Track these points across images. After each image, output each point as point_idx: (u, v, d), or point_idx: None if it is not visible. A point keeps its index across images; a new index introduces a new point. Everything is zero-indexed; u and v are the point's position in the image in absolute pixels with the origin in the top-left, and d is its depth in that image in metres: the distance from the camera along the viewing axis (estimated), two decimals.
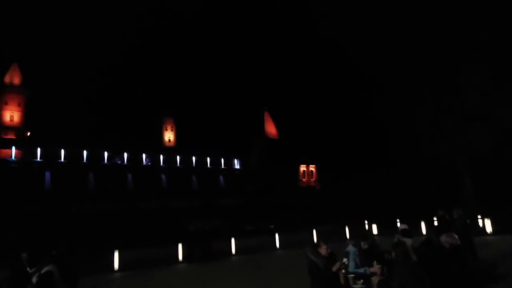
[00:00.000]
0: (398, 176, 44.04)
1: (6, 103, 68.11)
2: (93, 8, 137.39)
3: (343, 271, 6.39)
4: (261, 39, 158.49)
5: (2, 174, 54.06)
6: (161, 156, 73.37)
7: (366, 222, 25.37)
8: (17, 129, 67.66)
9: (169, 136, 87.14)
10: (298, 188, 77.21)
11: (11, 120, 67.99)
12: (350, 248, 7.32)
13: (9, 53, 73.21)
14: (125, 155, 69.23)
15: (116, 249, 14.75)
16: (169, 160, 73.70)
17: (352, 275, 6.39)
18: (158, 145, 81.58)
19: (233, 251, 17.69)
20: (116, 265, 14.40)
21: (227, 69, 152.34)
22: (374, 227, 23.73)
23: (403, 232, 8.55)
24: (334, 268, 6.14)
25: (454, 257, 5.23)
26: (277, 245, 19.40)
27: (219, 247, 17.48)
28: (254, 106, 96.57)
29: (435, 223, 14.62)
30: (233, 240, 17.92)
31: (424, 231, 19.96)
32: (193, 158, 76.50)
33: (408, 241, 7.00)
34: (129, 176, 67.42)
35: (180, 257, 16.19)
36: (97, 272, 13.77)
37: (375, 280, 6.05)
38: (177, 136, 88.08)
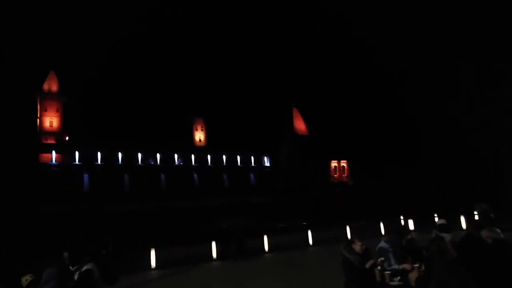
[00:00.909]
0: (435, 169, 42.56)
1: (46, 110, 71.55)
2: (123, 12, 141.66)
3: (379, 267, 6.23)
4: (287, 35, 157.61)
5: (44, 177, 57.00)
6: (193, 156, 74.69)
7: (401, 217, 24.66)
8: (56, 134, 70.92)
9: (199, 136, 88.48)
10: (330, 184, 76.24)
11: (51, 125, 71.36)
12: (383, 244, 7.13)
13: (45, 61, 76.84)
14: (158, 155, 71.01)
15: (152, 247, 15.14)
16: (200, 159, 74.91)
17: (389, 272, 6.22)
18: (189, 145, 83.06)
19: (266, 248, 17.72)
20: (153, 263, 14.79)
21: (254, 67, 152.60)
22: (411, 222, 23.02)
23: (441, 227, 8.22)
24: (368, 265, 6.01)
25: (498, 253, 4.97)
26: (310, 242, 19.24)
27: (252, 245, 17.56)
28: (282, 103, 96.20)
29: (476, 218, 13.96)
30: (265, 237, 17.94)
31: (464, 226, 19.16)
32: (224, 157, 77.31)
33: (447, 237, 6.72)
34: (162, 176, 69.16)
35: (214, 255, 16.40)
36: (135, 270, 14.20)
37: (412, 277, 5.86)
38: (207, 135, 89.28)
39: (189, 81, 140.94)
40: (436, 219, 15.52)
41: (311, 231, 19.73)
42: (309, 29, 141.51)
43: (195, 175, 72.63)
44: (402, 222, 24.16)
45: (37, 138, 67.67)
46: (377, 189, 53.49)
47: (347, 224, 20.65)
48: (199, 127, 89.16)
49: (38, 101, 71.93)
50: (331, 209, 45.49)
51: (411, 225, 22.97)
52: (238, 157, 78.86)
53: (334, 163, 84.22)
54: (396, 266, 6.51)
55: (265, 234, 18.28)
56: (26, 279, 5.35)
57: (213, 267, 14.98)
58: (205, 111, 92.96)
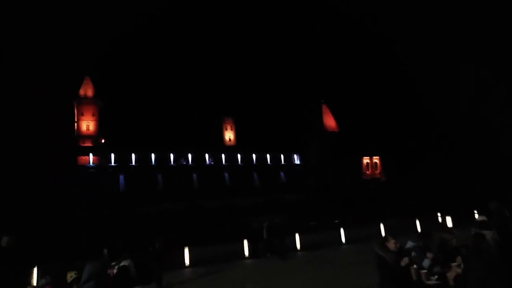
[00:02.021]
0: (474, 164, 40.73)
1: (82, 114, 74.65)
2: (153, 16, 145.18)
3: (415, 266, 6.05)
4: (315, 32, 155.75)
5: (82, 179, 59.56)
6: (223, 155, 75.48)
7: (439, 214, 23.74)
8: (93, 137, 73.82)
9: (229, 135, 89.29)
10: (362, 181, 74.73)
11: (87, 129, 74.38)
12: (409, 244, 6.91)
13: (81, 67, 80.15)
14: (190, 156, 72.32)
15: (186, 246, 15.44)
16: (231, 158, 75.61)
17: (425, 271, 6.02)
18: (219, 145, 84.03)
19: (298, 246, 17.62)
20: (187, 261, 15.09)
21: (282, 65, 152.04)
22: (448, 219, 22.13)
23: (481, 224, 7.87)
24: (403, 262, 5.84)
25: None
26: (343, 240, 18.93)
27: (280, 243, 17.49)
28: (311, 100, 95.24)
29: (476, 216, 13.20)
30: (297, 235, 17.84)
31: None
32: (254, 156, 77.60)
33: (488, 234, 6.43)
34: (194, 176, 70.40)
35: (246, 253, 16.51)
36: (170, 268, 14.55)
37: (451, 275, 5.65)
38: (237, 135, 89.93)
39: (218, 81, 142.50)
40: (476, 216, 14.84)
41: (344, 229, 19.41)
42: (337, 25, 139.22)
43: (226, 174, 73.41)
44: (440, 219, 23.29)
45: (75, 142, 70.73)
46: (412, 185, 51.87)
47: (381, 222, 20.15)
48: (228, 127, 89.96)
49: (75, 106, 75.14)
50: (363, 206, 44.54)
51: (449, 222, 22.10)
52: (268, 156, 78.92)
53: (366, 160, 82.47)
54: (427, 265, 6.30)
55: (297, 232, 18.17)
56: (71, 275, 5.60)
57: (245, 265, 15.09)
58: (234, 110, 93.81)
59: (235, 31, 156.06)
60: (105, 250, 5.56)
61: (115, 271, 5.13)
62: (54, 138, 65.22)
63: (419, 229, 19.39)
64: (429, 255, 6.59)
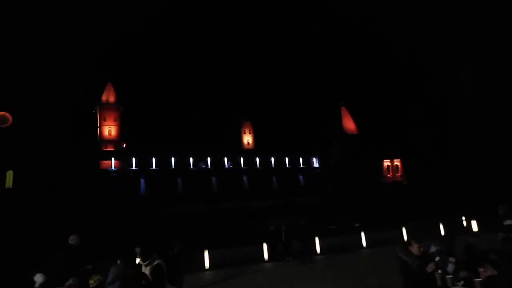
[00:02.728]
0: (498, 166, 39.42)
1: (105, 120, 76.40)
2: (174, 22, 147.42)
3: (439, 271, 5.87)
4: (333, 34, 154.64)
5: (105, 183, 60.92)
6: (241, 159, 75.71)
7: (463, 217, 23.06)
8: (115, 142, 75.39)
9: (247, 138, 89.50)
10: (383, 184, 73.46)
11: (109, 134, 76.03)
12: (433, 249, 6.72)
13: (103, 73, 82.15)
14: (209, 159, 72.89)
15: (206, 248, 15.52)
16: (249, 162, 75.75)
17: (450, 276, 5.84)
18: (237, 148, 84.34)
19: (318, 250, 17.45)
20: (206, 264, 15.16)
21: (300, 68, 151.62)
22: (474, 223, 21.46)
23: (509, 228, 7.59)
24: (429, 268, 5.67)
25: None
26: (364, 244, 18.64)
27: (302, 247, 17.37)
28: (330, 103, 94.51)
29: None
30: (317, 239, 17.67)
31: None
32: (272, 159, 77.51)
33: None
34: (213, 179, 70.85)
35: (266, 256, 16.46)
36: (190, 271, 14.65)
37: (479, 280, 5.46)
38: (255, 138, 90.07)
39: (236, 84, 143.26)
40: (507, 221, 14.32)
41: (364, 233, 19.11)
42: (354, 27, 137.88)
43: (245, 178, 73.55)
44: (464, 223, 22.63)
45: (98, 146, 72.40)
46: (434, 189, 50.62)
47: (403, 226, 19.73)
48: (247, 130, 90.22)
49: (98, 111, 76.99)
50: (384, 210, 43.76)
51: (474, 226, 21.44)
52: (287, 159, 78.67)
53: (386, 162, 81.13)
54: (452, 270, 6.11)
55: (316, 235, 18.00)
56: (94, 280, 5.57)
57: (265, 269, 15.04)
58: (253, 114, 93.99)
59: (253, 33, 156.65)
60: (137, 249, 5.66)
61: (148, 270, 5.25)
62: (79, 143, 67.15)
63: (442, 233, 18.90)
64: (451, 259, 6.41)
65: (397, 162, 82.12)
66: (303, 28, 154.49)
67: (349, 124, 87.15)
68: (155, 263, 5.37)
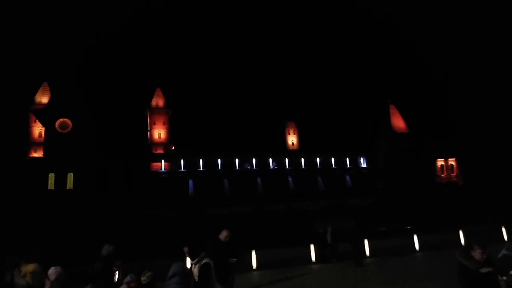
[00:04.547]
0: None
1: (154, 123, 79.78)
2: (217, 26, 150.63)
3: (504, 278, 5.44)
4: (377, 30, 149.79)
5: (155, 184, 63.74)
6: (286, 160, 75.54)
7: None
8: (164, 145, 78.44)
9: (292, 139, 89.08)
10: (437, 184, 69.78)
11: (159, 137, 79.25)
12: (506, 252, 6.20)
13: (152, 79, 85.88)
14: (254, 160, 73.53)
15: (253, 249, 15.62)
16: (294, 162, 75.35)
17: None
18: (282, 149, 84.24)
19: (367, 253, 16.93)
20: (254, 264, 15.26)
21: (346, 66, 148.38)
22: None
23: None
24: (484, 270, 5.28)
25: None
26: (416, 247, 17.78)
27: (351, 249, 16.94)
28: (377, 101, 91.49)
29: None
30: (366, 241, 17.14)
31: None
32: (317, 160, 76.50)
33: None
34: (259, 180, 71.35)
35: (313, 258, 16.26)
36: (237, 270, 14.82)
37: None
38: (300, 138, 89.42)
39: (280, 85, 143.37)
40: None
41: (417, 235, 18.22)
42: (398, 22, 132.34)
43: (290, 179, 73.28)
44: None
45: (148, 149, 75.78)
46: (494, 189, 47.19)
47: (460, 229, 18.57)
48: (291, 131, 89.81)
49: (148, 116, 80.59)
50: (439, 211, 41.57)
51: None
52: (333, 159, 77.25)
53: (440, 162, 77.00)
54: None
55: (366, 237, 17.46)
56: (146, 276, 5.87)
57: (313, 270, 14.84)
58: (297, 114, 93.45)
59: (295, 34, 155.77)
60: (186, 249, 5.84)
61: (196, 269, 5.45)
62: (131, 146, 70.83)
63: (505, 237, 17.56)
64: None
65: (452, 161, 77.66)
66: (346, 25, 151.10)
67: (398, 122, 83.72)
68: (203, 262, 5.48)
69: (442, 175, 76.22)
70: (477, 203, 43.12)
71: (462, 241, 17.45)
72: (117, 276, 7.73)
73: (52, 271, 5.39)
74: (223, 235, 7.82)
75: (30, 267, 5.70)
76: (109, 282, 6.38)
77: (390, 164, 73.71)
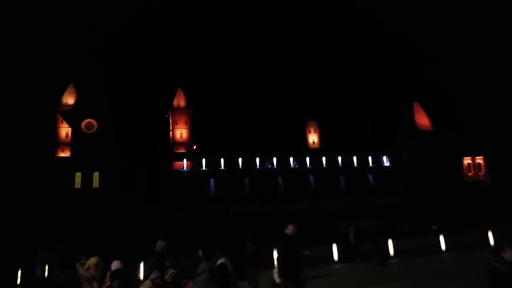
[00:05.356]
0: None
1: (176, 123, 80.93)
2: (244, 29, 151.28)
3: None
4: (399, 26, 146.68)
5: (177, 183, 64.77)
6: (307, 159, 75.08)
7: None
8: (186, 144, 79.45)
9: (313, 138, 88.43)
10: (463, 183, 67.78)
11: (181, 136, 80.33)
12: None
13: (174, 79, 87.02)
14: (274, 159, 73.47)
15: (275, 248, 15.63)
16: (315, 161, 74.79)
17: None
18: (303, 147, 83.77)
19: (391, 253, 16.65)
20: (276, 263, 15.26)
21: (367, 63, 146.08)
22: None
23: None
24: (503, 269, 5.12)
25: None
26: (442, 247, 17.35)
27: (375, 249, 16.70)
28: (400, 98, 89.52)
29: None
30: (390, 241, 16.87)
31: None
32: (339, 158, 75.67)
33: None
34: (279, 179, 71.26)
35: (335, 257, 16.14)
36: (261, 268, 14.86)
37: None
38: (321, 137, 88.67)
39: (300, 84, 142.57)
40: None
41: (444, 236, 17.77)
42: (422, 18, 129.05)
43: (311, 177, 72.81)
44: None
45: (171, 149, 76.98)
46: None
47: (489, 229, 17.99)
48: (312, 130, 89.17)
49: (170, 116, 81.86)
50: (465, 211, 40.42)
51: None
52: (354, 158, 76.22)
53: (467, 160, 74.73)
54: None
55: (389, 237, 17.18)
56: (170, 274, 6.02)
57: (336, 270, 14.75)
58: (318, 112, 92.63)
59: (314, 33, 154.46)
60: (200, 252, 5.94)
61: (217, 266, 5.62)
62: (153, 147, 72.20)
63: None
64: None
65: (479, 159, 75.22)
66: (369, 22, 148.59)
67: (422, 119, 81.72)
68: (218, 262, 5.56)
69: (469, 174, 73.97)
70: (506, 203, 41.65)
71: (492, 242, 16.91)
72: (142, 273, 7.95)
73: (115, 264, 5.89)
74: (290, 229, 7.99)
75: (93, 260, 6.55)
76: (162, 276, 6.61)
77: (414, 163, 72.09)
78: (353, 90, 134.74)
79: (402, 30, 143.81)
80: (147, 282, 5.74)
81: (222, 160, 71.18)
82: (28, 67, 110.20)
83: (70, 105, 72.47)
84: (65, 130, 72.18)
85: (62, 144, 71.17)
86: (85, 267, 6.54)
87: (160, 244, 7.39)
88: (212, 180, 68.87)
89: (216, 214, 46.66)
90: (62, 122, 72.12)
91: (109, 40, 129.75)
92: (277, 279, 7.28)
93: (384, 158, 78.23)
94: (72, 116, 68.30)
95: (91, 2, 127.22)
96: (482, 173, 74.13)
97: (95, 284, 6.43)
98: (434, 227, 27.30)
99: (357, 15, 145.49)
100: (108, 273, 5.96)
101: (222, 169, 70.68)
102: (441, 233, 18.07)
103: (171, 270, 6.43)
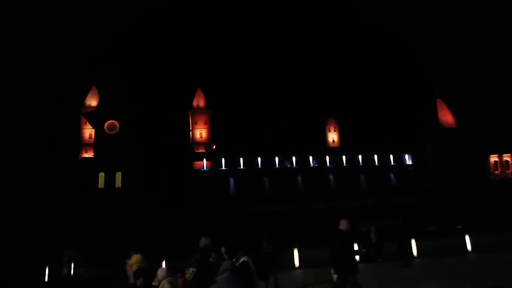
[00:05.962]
0: None
1: (196, 123, 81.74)
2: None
3: None
4: (420, 23, 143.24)
5: (198, 182, 65.44)
6: (327, 157, 74.36)
7: None
8: (206, 144, 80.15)
9: (332, 136, 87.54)
10: (490, 182, 65.60)
11: (200, 136, 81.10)
12: None
13: (192, 80, 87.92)
14: (294, 158, 73.12)
15: (295, 247, 15.59)
16: (335, 160, 74.00)
17: None
18: (322, 146, 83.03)
19: (415, 253, 16.29)
20: (296, 263, 15.23)
21: (387, 61, 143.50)
22: None
23: None
24: None
25: None
26: (469, 247, 16.84)
27: (397, 249, 16.37)
28: (423, 95, 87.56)
29: None
30: (413, 241, 16.50)
31: None
32: (359, 157, 74.61)
33: None
34: (299, 178, 70.89)
35: (357, 257, 15.90)
36: (280, 268, 14.82)
37: None
38: (340, 136, 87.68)
39: (320, 82, 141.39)
40: None
41: (469, 236, 17.25)
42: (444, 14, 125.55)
43: (331, 177, 72.08)
44: None
45: (191, 149, 77.82)
46: None
47: None
48: (331, 128, 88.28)
49: (190, 116, 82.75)
50: (492, 211, 39.09)
51: None
52: (376, 156, 74.95)
53: (494, 158, 72.33)
54: None
55: (413, 237, 16.80)
56: (189, 273, 6.10)
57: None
58: (337, 111, 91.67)
59: (332, 32, 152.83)
60: (223, 249, 5.99)
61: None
62: (175, 146, 73.26)
63: None
64: None
65: (507, 157, 72.66)
66: (385, 18, 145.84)
67: (446, 116, 79.58)
68: (241, 260, 5.59)
69: (496, 172, 71.58)
70: None
71: None
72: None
73: (161, 272, 6.13)
74: (344, 225, 7.84)
75: (134, 258, 6.92)
76: (206, 272, 6.77)
77: (438, 161, 70.29)
78: (373, 88, 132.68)
79: (424, 28, 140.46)
80: (164, 281, 5.81)
81: (241, 160, 71.39)
82: (35, 68, 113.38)
83: (93, 107, 74.31)
84: (88, 131, 74.08)
85: (86, 145, 73.09)
86: (129, 263, 6.91)
87: (204, 241, 7.60)
88: (231, 180, 69.20)
89: (236, 213, 46.83)
90: (85, 124, 74.04)
91: (126, 41, 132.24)
92: (334, 277, 7.14)
93: (406, 156, 76.62)
94: (95, 117, 70.01)
95: (98, 3, 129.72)
96: (510, 171, 71.64)
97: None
98: (459, 226, 26.55)
99: (367, 13, 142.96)
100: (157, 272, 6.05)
101: (241, 169, 70.90)
102: (466, 233, 17.55)
103: (191, 269, 6.49)
